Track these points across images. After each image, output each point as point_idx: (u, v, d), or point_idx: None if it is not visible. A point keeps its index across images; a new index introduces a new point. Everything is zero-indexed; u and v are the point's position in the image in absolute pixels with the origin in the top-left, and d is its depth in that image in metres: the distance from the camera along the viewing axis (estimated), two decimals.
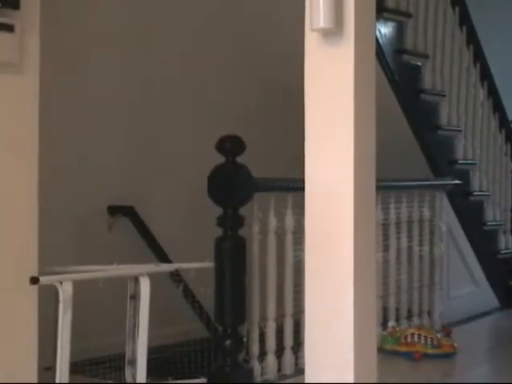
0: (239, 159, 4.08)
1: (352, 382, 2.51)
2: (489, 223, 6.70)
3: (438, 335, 5.04)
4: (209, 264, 4.03)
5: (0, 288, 2.91)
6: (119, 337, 3.68)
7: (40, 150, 3.03)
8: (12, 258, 2.94)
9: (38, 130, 3.03)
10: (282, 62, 5.46)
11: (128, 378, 3.63)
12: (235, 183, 4.13)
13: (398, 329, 5.11)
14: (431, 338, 4.96)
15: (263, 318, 4.29)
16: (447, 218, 5.96)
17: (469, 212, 6.40)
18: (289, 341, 4.41)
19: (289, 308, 4.40)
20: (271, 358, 4.32)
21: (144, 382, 3.55)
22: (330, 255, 2.57)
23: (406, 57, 5.85)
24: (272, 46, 5.82)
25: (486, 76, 6.71)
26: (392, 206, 5.28)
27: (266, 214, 4.30)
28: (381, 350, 4.66)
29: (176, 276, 4.77)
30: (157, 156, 5.33)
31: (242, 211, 4.13)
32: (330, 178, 2.59)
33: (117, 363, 3.95)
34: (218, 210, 4.08)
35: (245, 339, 4.16)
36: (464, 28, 6.45)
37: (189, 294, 5.03)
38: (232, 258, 4.07)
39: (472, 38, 6.54)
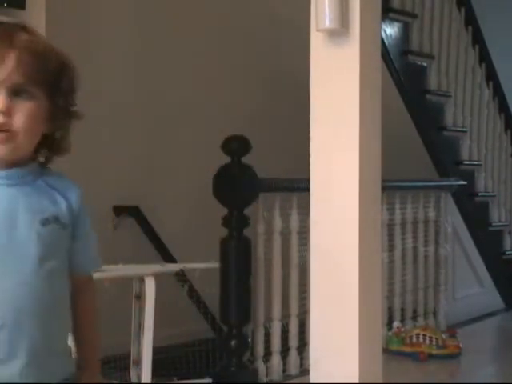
0: (245, 159, 4.08)
1: (357, 382, 2.51)
2: (494, 224, 6.68)
3: (443, 336, 5.03)
4: (214, 264, 4.03)
5: None
6: (124, 337, 3.68)
7: None
8: None
9: None
10: (289, 63, 5.46)
11: (133, 378, 3.64)
12: (240, 183, 4.13)
13: (403, 329, 5.10)
14: (436, 338, 4.95)
15: (268, 319, 4.29)
16: (452, 219, 5.95)
17: (474, 213, 6.39)
18: (294, 341, 4.40)
19: (294, 308, 4.39)
20: (276, 359, 4.31)
21: (149, 382, 3.55)
22: (336, 255, 2.57)
23: (411, 57, 5.85)
24: (279, 47, 5.81)
25: (491, 76, 6.70)
26: (397, 206, 5.27)
27: (271, 214, 4.30)
28: (386, 350, 4.65)
29: (181, 276, 4.78)
30: (162, 156, 5.33)
31: (247, 211, 4.13)
32: (335, 178, 2.59)
33: (122, 363, 3.95)
34: (224, 210, 4.09)
35: (250, 339, 4.16)
36: (469, 28, 6.43)
37: (194, 294, 5.04)
38: (237, 258, 4.07)
39: (477, 39, 6.52)
